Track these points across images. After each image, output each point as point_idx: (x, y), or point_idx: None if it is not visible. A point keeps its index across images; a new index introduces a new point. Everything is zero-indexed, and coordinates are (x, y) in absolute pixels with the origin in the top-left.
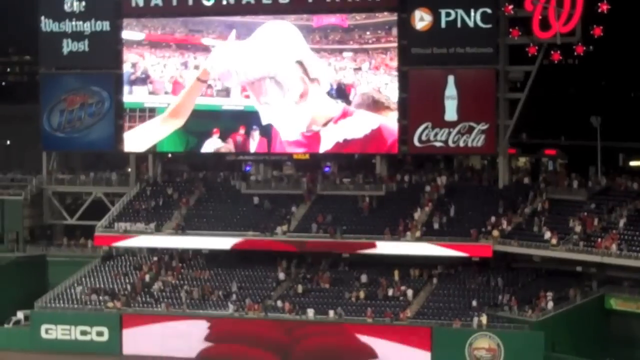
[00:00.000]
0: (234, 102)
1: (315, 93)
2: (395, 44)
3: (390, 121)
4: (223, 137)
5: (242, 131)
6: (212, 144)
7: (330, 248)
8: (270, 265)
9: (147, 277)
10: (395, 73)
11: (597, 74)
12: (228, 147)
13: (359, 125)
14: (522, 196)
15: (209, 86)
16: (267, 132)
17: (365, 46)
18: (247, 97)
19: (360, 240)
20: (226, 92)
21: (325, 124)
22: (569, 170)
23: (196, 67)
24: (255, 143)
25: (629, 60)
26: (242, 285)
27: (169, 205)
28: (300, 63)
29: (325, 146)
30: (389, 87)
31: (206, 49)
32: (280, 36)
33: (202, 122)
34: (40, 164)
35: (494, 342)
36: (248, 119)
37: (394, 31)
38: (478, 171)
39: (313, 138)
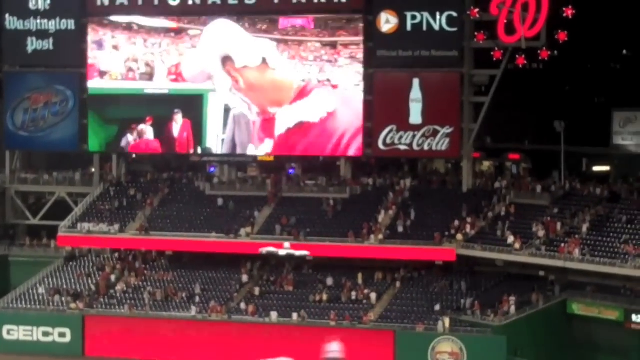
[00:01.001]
0: (159, 86)
1: (253, 79)
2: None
3: None
4: (155, 125)
5: (174, 116)
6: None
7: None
8: (234, 268)
9: (111, 278)
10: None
11: (562, 79)
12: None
13: (315, 106)
14: (486, 200)
15: (131, 69)
16: (190, 113)
17: (286, 37)
18: (174, 80)
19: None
20: (149, 75)
21: (280, 105)
22: (532, 175)
23: (115, 48)
24: (178, 126)
25: (593, 65)
26: (206, 287)
27: (132, 206)
28: (227, 58)
29: (278, 130)
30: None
31: (116, 26)
32: (212, 37)
33: (122, 108)
34: (3, 163)
35: (457, 346)
36: (174, 103)
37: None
38: (442, 175)
39: (269, 122)
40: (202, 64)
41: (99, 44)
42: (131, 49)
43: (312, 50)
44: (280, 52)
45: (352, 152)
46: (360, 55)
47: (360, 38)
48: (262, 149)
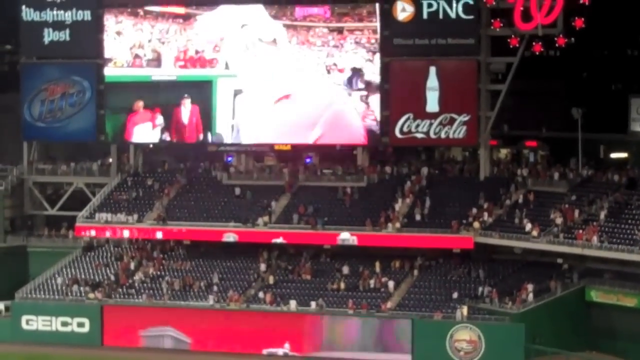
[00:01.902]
0: (167, 72)
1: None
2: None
3: None
4: (164, 113)
5: (183, 101)
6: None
7: None
8: (252, 257)
9: (128, 268)
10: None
11: (579, 66)
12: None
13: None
14: (503, 188)
15: (137, 56)
16: (199, 99)
17: (295, 23)
18: (183, 66)
19: None
20: (157, 62)
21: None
22: (550, 162)
23: (119, 34)
24: (187, 112)
25: (610, 52)
26: (224, 276)
27: (150, 196)
28: (244, 26)
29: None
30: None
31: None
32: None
33: (129, 96)
34: (20, 154)
35: (475, 334)
36: (182, 89)
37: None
38: (459, 163)
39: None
40: (219, 26)
41: None
42: (137, 35)
43: (320, 35)
44: (289, 37)
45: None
46: (364, 40)
47: (364, 24)
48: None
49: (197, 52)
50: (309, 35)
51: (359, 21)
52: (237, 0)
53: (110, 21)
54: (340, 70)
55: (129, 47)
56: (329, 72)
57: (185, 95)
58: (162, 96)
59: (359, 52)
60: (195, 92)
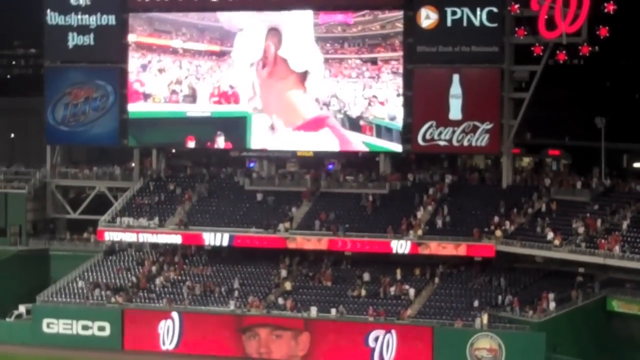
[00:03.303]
0: (201, 109)
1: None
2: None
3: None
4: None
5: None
6: None
7: None
8: (273, 263)
9: (149, 273)
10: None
11: (603, 75)
12: None
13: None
14: (526, 196)
15: (174, 92)
16: (233, 135)
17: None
18: (218, 102)
19: None
20: (192, 97)
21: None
22: (572, 171)
23: (160, 71)
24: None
25: (635, 61)
26: (244, 282)
27: (172, 201)
28: (275, 31)
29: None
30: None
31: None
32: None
33: (162, 131)
34: (44, 158)
35: (495, 343)
36: (216, 125)
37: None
38: (481, 171)
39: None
40: (242, 21)
41: (144, 67)
42: (175, 72)
43: (354, 67)
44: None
45: None
46: (401, 69)
47: (398, 53)
48: None
49: (231, 87)
50: (342, 68)
51: (392, 51)
52: (254, 7)
53: (154, 61)
54: (382, 103)
55: (167, 83)
56: (370, 104)
57: (218, 133)
58: (196, 132)
59: (397, 81)
60: (229, 129)
